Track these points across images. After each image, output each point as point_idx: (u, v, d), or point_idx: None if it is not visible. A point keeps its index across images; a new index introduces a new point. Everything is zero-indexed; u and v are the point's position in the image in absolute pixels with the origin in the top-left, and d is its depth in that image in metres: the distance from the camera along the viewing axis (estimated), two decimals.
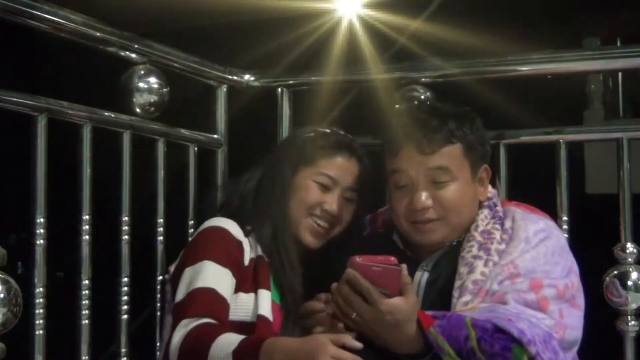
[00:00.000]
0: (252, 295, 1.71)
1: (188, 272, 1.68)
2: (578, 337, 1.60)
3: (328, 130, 1.88)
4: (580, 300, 1.63)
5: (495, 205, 1.72)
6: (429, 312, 1.50)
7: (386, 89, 2.13)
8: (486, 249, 1.62)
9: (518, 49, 2.10)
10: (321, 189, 1.80)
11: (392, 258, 1.44)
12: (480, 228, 1.67)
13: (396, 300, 1.42)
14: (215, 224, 1.78)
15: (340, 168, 1.81)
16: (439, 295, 1.62)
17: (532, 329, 1.44)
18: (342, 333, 1.46)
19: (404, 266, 1.45)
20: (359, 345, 1.40)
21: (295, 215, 1.80)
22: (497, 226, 1.67)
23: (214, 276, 1.66)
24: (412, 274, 1.66)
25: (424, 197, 1.64)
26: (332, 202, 1.79)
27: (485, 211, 1.71)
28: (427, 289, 1.65)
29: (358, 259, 1.43)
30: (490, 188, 1.76)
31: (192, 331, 1.55)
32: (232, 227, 1.77)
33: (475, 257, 1.61)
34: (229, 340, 1.50)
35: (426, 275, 1.67)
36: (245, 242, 1.77)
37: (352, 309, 1.43)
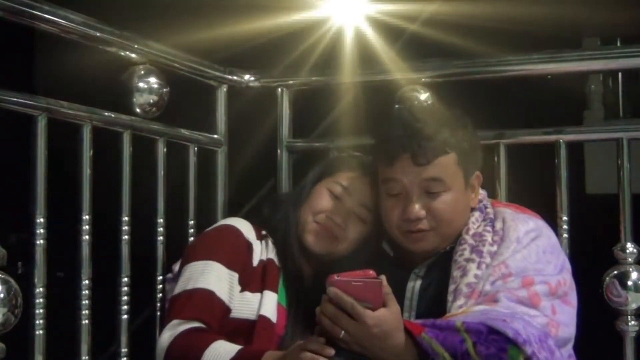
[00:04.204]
0: (258, 295, 1.72)
1: (191, 267, 1.69)
2: (572, 334, 1.60)
3: (360, 154, 1.93)
4: (573, 298, 1.63)
5: (486, 207, 1.73)
6: (416, 321, 1.50)
7: (385, 90, 2.13)
8: (478, 251, 1.62)
9: (518, 49, 2.10)
10: (332, 197, 1.81)
11: (371, 271, 1.44)
12: (472, 231, 1.67)
13: (381, 312, 1.41)
14: (228, 223, 1.80)
15: (357, 183, 1.81)
16: (433, 300, 1.62)
17: (527, 328, 1.44)
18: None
19: (383, 277, 1.44)
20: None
21: (303, 219, 1.81)
22: (488, 228, 1.67)
23: (216, 278, 1.67)
24: (404, 281, 1.67)
25: (417, 207, 1.64)
26: (337, 212, 1.79)
27: (477, 214, 1.71)
28: (420, 295, 1.65)
29: (336, 277, 1.42)
30: (479, 190, 1.76)
31: (180, 335, 1.56)
32: (245, 228, 1.78)
33: (468, 260, 1.61)
34: (226, 348, 1.51)
35: (419, 281, 1.67)
36: (256, 244, 1.78)
37: (340, 326, 1.42)
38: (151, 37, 1.92)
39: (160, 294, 1.89)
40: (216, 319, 1.64)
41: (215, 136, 2.21)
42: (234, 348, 1.52)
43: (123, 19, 1.89)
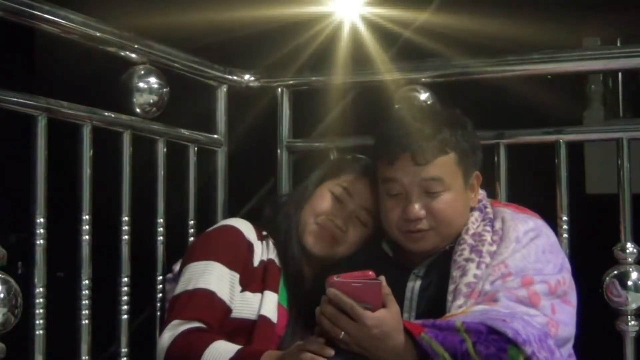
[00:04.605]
0: (258, 295, 1.73)
1: (192, 267, 1.70)
2: (571, 334, 1.61)
3: (364, 157, 1.92)
4: (573, 298, 1.63)
5: (485, 207, 1.73)
6: (416, 321, 1.50)
7: (385, 90, 2.13)
8: (478, 251, 1.62)
9: (518, 48, 2.10)
10: (334, 200, 1.81)
11: (370, 272, 1.44)
12: (471, 231, 1.67)
13: (380, 313, 1.41)
14: (229, 223, 1.81)
15: (359, 186, 1.81)
16: (433, 300, 1.62)
17: (526, 328, 1.44)
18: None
19: (383, 278, 1.44)
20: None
21: (304, 220, 1.81)
22: (488, 228, 1.67)
23: (217, 278, 1.67)
24: (404, 281, 1.67)
25: (417, 207, 1.64)
26: (339, 214, 1.79)
27: (476, 214, 1.71)
28: (420, 295, 1.65)
29: (336, 277, 1.42)
30: (479, 190, 1.76)
31: (180, 335, 1.57)
32: (246, 228, 1.79)
33: (467, 260, 1.62)
34: (225, 348, 1.52)
35: (419, 282, 1.67)
36: (257, 245, 1.78)
37: (339, 327, 1.42)
38: (151, 33, 1.92)
39: (160, 294, 1.89)
40: (217, 319, 1.64)
41: (215, 136, 2.21)
42: (233, 348, 1.53)
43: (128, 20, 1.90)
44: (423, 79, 2.12)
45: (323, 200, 1.81)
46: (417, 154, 1.63)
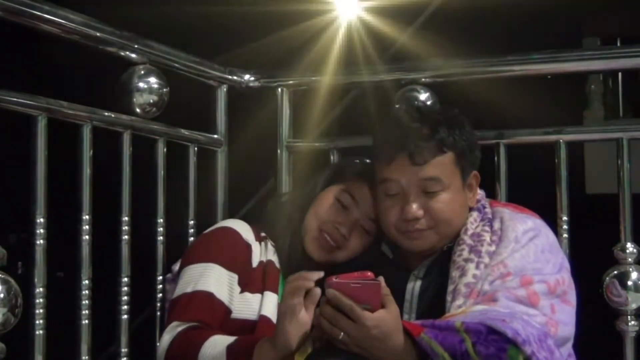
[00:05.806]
0: (258, 296, 1.73)
1: (191, 270, 1.70)
2: (571, 333, 1.60)
3: (369, 161, 1.90)
4: (572, 297, 1.63)
5: (484, 207, 1.73)
6: (416, 321, 1.50)
7: (385, 90, 2.13)
8: (477, 251, 1.62)
9: (518, 49, 2.10)
10: (340, 207, 1.80)
11: (369, 273, 1.43)
12: (470, 231, 1.67)
13: (380, 313, 1.41)
14: (226, 225, 1.80)
15: (365, 193, 1.79)
16: (433, 301, 1.62)
17: (526, 328, 1.44)
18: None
19: (382, 278, 1.44)
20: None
21: (308, 225, 1.80)
22: (487, 228, 1.67)
23: (215, 280, 1.67)
24: (403, 283, 1.67)
25: (415, 207, 1.64)
26: (344, 222, 1.79)
27: (475, 214, 1.71)
28: (420, 296, 1.65)
29: (335, 278, 1.42)
30: (478, 190, 1.76)
31: (179, 334, 1.57)
32: (244, 229, 1.78)
33: (467, 260, 1.61)
34: (222, 339, 1.52)
35: (419, 282, 1.67)
36: (255, 246, 1.78)
37: (338, 328, 1.41)
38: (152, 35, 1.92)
39: (160, 294, 1.89)
40: (217, 320, 1.64)
41: (215, 136, 2.21)
42: (231, 338, 1.53)
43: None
44: (423, 79, 2.12)
45: (328, 207, 1.80)
46: (415, 154, 1.63)
